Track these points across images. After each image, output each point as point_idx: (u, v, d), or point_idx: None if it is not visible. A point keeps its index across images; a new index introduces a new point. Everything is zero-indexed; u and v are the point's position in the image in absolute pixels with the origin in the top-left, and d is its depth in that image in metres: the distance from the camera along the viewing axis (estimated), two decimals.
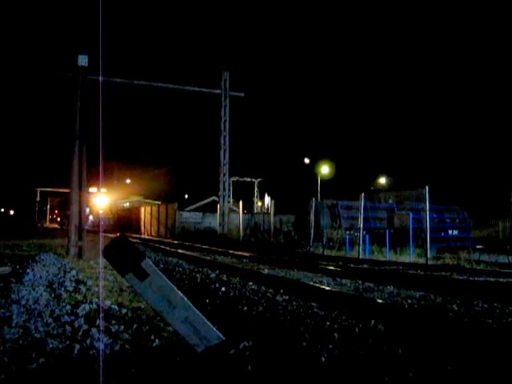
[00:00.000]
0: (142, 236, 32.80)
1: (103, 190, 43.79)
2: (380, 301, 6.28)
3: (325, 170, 37.66)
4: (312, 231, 19.44)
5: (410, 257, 14.77)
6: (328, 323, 5.01)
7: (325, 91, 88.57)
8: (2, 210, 73.13)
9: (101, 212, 42.11)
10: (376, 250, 16.26)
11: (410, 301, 6.75)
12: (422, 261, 13.61)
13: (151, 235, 35.28)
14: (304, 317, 5.44)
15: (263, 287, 7.76)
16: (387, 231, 16.40)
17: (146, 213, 39.99)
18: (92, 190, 42.72)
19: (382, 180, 45.68)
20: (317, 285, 7.93)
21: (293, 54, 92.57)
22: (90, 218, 41.83)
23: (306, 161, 40.68)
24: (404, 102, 72.94)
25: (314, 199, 20.85)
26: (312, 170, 38.57)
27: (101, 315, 4.85)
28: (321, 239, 18.59)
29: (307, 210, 20.45)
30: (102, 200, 43.08)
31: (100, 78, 20.76)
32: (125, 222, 42.67)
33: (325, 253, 16.87)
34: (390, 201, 22.60)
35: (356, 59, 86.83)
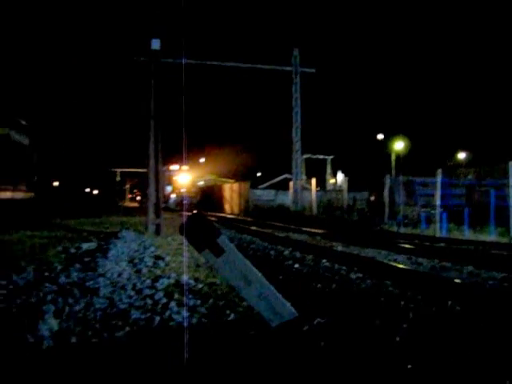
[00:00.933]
0: (219, 214, 32.95)
1: (185, 167, 42.13)
2: (458, 281, 6.06)
3: (399, 145, 36.37)
4: (386, 208, 19.00)
5: (490, 236, 14.03)
6: (403, 302, 4.92)
7: (398, 64, 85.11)
8: (88, 190, 77.53)
9: (183, 190, 41.14)
10: (453, 229, 15.60)
11: (491, 282, 6.45)
12: (504, 240, 12.91)
13: (231, 213, 35.54)
14: (378, 295, 5.37)
15: (336, 264, 7.74)
16: (466, 209, 15.66)
17: (228, 190, 39.70)
18: (173, 167, 41.81)
19: (461, 155, 43.39)
20: (391, 263, 7.78)
21: (364, 26, 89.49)
22: (173, 196, 40.92)
23: (380, 136, 39.48)
24: (483, 73, 68.53)
25: (388, 176, 20.31)
26: (386, 145, 37.41)
27: (185, 288, 5.06)
28: (395, 217, 18.14)
29: (381, 187, 19.97)
30: (184, 178, 41.26)
31: (183, 61, 21.42)
32: (207, 200, 42.07)
33: (400, 230, 16.44)
34: (470, 177, 21.50)
35: (431, 29, 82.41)
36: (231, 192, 38.25)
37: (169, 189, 40.53)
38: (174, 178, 41.27)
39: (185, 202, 38.62)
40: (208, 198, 42.18)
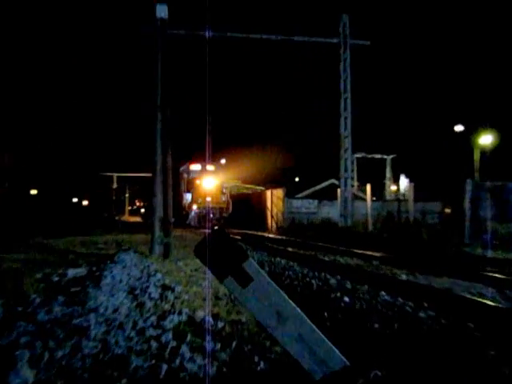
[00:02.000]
0: (248, 231, 31.69)
1: (210, 167, 38.39)
2: None
3: (485, 140, 35.75)
4: (467, 224, 18.70)
5: None
6: (492, 353, 4.81)
7: (480, 34, 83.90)
8: (75, 200, 78.72)
9: (208, 199, 36.24)
10: None
11: None
12: None
13: (261, 230, 34.54)
14: (456, 342, 5.27)
15: (400, 299, 7.66)
16: None
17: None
18: (194, 167, 38.34)
19: None
20: (475, 298, 7.63)
21: None
22: (194, 208, 37.37)
23: (458, 128, 38.91)
24: None
25: (470, 181, 20.02)
26: (466, 140, 36.91)
27: (207, 326, 5.07)
28: (480, 235, 17.83)
29: (460, 196, 19.71)
30: (209, 182, 37.11)
31: (206, 34, 21.47)
32: (242, 212, 40.13)
33: (486, 254, 16.14)
34: None
35: None
36: (264, 202, 37.98)
37: (188, 197, 37.77)
38: (197, 183, 37.77)
39: (211, 215, 35.92)
40: (251, 209, 40.46)
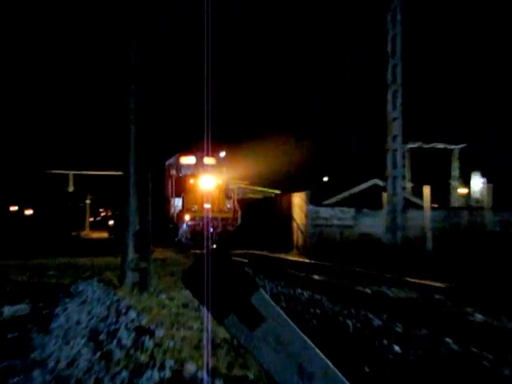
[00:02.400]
0: (263, 253, 30.85)
1: (209, 159, 36.89)
2: None
3: None
4: None
5: None
6: None
7: None
8: (15, 208, 78.62)
9: (207, 206, 35.23)
10: None
11: None
12: None
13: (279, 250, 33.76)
14: None
15: (474, 348, 7.63)
16: None
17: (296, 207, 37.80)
18: (186, 160, 36.13)
19: None
20: None
21: None
22: (186, 219, 35.19)
23: None
24: None
25: None
26: None
27: (203, 378, 5.03)
28: None
29: None
30: (208, 181, 34.99)
31: None
32: (251, 226, 38.28)
33: None
34: None
35: None
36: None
37: (178, 204, 36.03)
38: (190, 183, 35.69)
39: (211, 229, 33.84)
40: (269, 221, 39.59)
